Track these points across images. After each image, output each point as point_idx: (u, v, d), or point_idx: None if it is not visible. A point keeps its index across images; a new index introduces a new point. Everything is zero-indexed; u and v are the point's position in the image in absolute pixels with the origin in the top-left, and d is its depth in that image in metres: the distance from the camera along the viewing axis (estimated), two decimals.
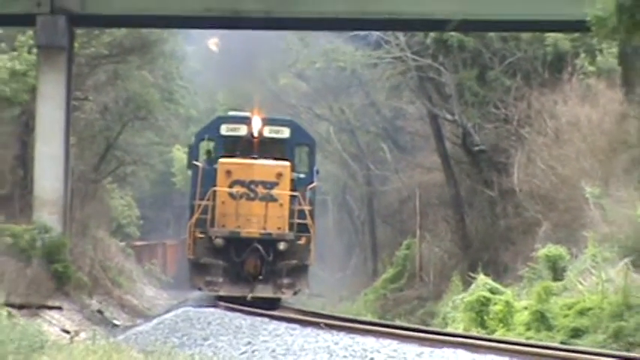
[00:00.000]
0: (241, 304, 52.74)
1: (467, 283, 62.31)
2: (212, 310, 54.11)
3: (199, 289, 63.64)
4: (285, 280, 59.86)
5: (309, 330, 44.36)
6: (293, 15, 67.24)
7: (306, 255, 61.80)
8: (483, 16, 69.70)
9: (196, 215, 61.49)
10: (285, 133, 62.51)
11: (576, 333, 48.10)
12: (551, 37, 71.98)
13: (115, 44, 79.13)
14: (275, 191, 58.65)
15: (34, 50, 65.05)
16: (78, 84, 69.57)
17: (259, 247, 57.29)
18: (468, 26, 72.69)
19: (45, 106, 64.42)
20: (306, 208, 60.43)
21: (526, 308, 52.10)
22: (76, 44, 67.58)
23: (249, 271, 57.89)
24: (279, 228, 57.97)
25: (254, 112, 61.96)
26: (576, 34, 65.13)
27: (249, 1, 68.17)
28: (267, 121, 61.32)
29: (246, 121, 61.85)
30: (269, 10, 67.32)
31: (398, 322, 56.00)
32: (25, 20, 63.21)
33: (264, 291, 57.46)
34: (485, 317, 53.91)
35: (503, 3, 68.07)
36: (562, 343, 44.91)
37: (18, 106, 66.33)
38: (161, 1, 70.33)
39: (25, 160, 66.16)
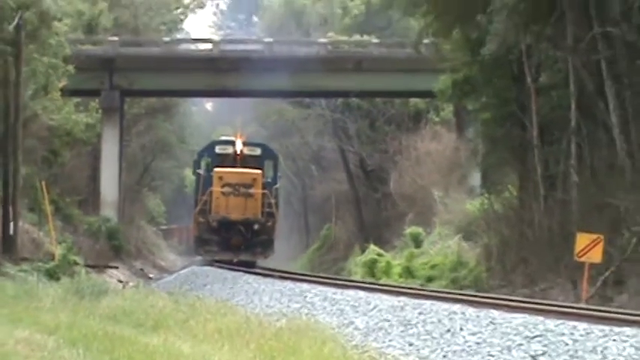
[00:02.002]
0: (229, 265, 57.77)
1: (363, 251, 68.53)
2: (209, 268, 60.05)
3: (201, 255, 68.66)
4: (259, 249, 63.67)
5: (268, 279, 47.69)
6: (257, 88, 76.12)
7: (272, 232, 65.26)
8: (371, 89, 78.31)
9: (199, 206, 65.22)
10: (257, 151, 66.06)
11: (429, 279, 54.36)
12: (412, 100, 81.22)
13: (149, 107, 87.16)
14: (251, 190, 62.29)
15: (99, 111, 72.14)
16: (126, 131, 77.88)
17: (241, 227, 61.81)
18: (362, 95, 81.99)
19: (106, 145, 72.70)
20: (273, 201, 64.59)
21: (399, 265, 59.42)
22: (125, 107, 76.31)
23: (234, 243, 61.88)
24: (254, 214, 62.08)
25: (237, 137, 65.93)
26: (428, 99, 72.28)
27: (230, 80, 76.20)
28: (246, 144, 65.47)
29: (232, 143, 65.47)
30: (242, 85, 76.97)
31: (322, 275, 62.58)
32: (94, 93, 70.76)
33: (244, 256, 61.46)
34: (375, 271, 61.46)
35: (382, 81, 74.93)
36: (420, 285, 49.94)
37: (90, 145, 71.74)
38: (177, 81, 76.76)
39: (94, 178, 73.94)
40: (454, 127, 64.65)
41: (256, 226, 61.51)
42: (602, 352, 21.07)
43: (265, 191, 62.64)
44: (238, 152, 63.53)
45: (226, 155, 64.48)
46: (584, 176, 42.53)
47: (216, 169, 61.74)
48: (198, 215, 65.20)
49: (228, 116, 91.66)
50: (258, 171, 62.31)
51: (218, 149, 65.49)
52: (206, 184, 63.79)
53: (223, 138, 68.72)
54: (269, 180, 64.20)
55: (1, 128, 46.34)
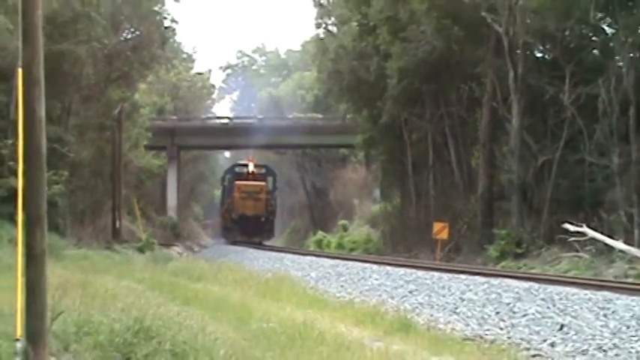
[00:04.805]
0: (243, 243, 58.78)
1: (315, 234, 69.70)
2: (229, 246, 60.93)
3: (226, 238, 70.39)
4: (264, 234, 65.22)
5: (262, 250, 49.10)
6: (253, 144, 74.68)
7: (273, 223, 67.22)
8: (318, 144, 78.00)
9: (225, 207, 67.69)
10: (263, 170, 68.50)
11: (352, 249, 53.85)
12: (342, 149, 79.94)
13: (193, 157, 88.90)
14: (259, 195, 63.34)
15: (166, 158, 72.30)
16: (181, 169, 79.45)
17: (253, 220, 62.54)
18: (313, 147, 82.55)
19: (170, 177, 73.57)
20: (273, 203, 66.21)
21: (335, 241, 60.05)
22: (180, 155, 76.50)
23: (249, 230, 62.66)
24: (261, 211, 63.31)
25: (250, 161, 67.51)
26: (350, 149, 71.92)
27: (239, 140, 73.94)
28: (255, 166, 67.22)
29: (246, 165, 67.33)
30: (245, 143, 74.35)
31: (292, 247, 64.19)
32: (162, 148, 71.77)
33: (256, 238, 62.54)
34: (321, 245, 62.02)
35: (324, 139, 73.01)
36: (347, 252, 49.70)
37: (160, 177, 73.79)
38: (209, 141, 76.80)
39: (163, 195, 75.98)
40: (365, 164, 67.19)
41: (262, 219, 64.00)
42: (448, 288, 20.94)
43: (268, 196, 65.41)
44: (250, 171, 66.73)
45: (242, 173, 66.74)
46: (437, 191, 47.34)
47: (237, 182, 65.03)
48: (225, 212, 68.47)
49: (238, 159, 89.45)
50: (264, 183, 66.25)
51: (237, 169, 68.90)
52: (229, 192, 67.17)
53: (240, 162, 71.88)
54: (270, 189, 67.73)
55: (110, 168, 49.48)
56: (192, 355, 9.12)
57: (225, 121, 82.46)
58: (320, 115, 77.96)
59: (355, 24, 49.10)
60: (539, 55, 38.77)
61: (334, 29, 57.54)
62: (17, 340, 7.86)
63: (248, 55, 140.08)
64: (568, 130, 33.73)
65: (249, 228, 62.14)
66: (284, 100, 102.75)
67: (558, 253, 30.39)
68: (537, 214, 34.72)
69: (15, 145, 9.10)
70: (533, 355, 13.18)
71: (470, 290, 20.30)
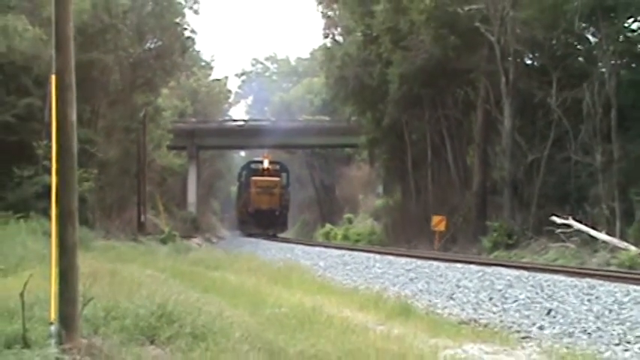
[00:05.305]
0: (258, 235, 57.82)
1: (323, 227, 69.62)
2: (245, 238, 59.79)
3: (242, 230, 68.91)
4: (278, 227, 64.04)
5: (274, 241, 49.26)
6: (266, 144, 70.39)
7: (286, 217, 66.01)
8: (326, 144, 75.52)
9: (242, 201, 66.45)
10: (277, 167, 66.99)
11: (356, 240, 53.55)
12: (347, 149, 78.09)
13: (210, 156, 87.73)
14: (274, 190, 62.13)
15: (187, 157, 72.26)
16: (200, 167, 78.04)
17: (268, 213, 61.47)
18: (321, 147, 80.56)
19: (190, 175, 72.83)
20: (287, 197, 64.98)
21: (341, 233, 59.95)
22: (200, 154, 75.86)
23: (264, 223, 61.54)
24: (275, 205, 62.13)
25: (265, 157, 66.56)
26: (355, 148, 68.60)
27: (253, 140, 71.95)
28: (270, 162, 66.19)
29: (261, 162, 66.45)
30: (258, 143, 71.28)
31: (302, 239, 62.69)
32: (183, 148, 71.11)
33: (270, 231, 61.47)
34: (329, 237, 61.96)
35: (332, 140, 71.03)
36: (352, 243, 49.58)
37: (181, 175, 72.53)
38: (226, 141, 76.01)
39: (184, 191, 74.71)
40: (368, 163, 63.74)
41: (277, 213, 62.94)
42: (445, 276, 20.90)
43: (282, 191, 64.23)
44: (265, 167, 65.65)
45: (258, 169, 65.74)
46: (435, 187, 47.25)
47: (252, 178, 64.08)
48: (241, 206, 67.00)
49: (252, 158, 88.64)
50: (278, 178, 64.86)
51: (253, 166, 67.95)
52: (246, 187, 65.72)
53: (256, 159, 71.82)
54: (284, 184, 66.28)
55: (135, 166, 49.43)
56: (211, 338, 9.16)
57: (241, 123, 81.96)
58: (327, 118, 77.42)
59: (359, 34, 49.08)
60: (528, 62, 38.77)
61: (340, 39, 57.57)
62: (51, 323, 8.00)
63: (261, 63, 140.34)
64: (555, 131, 33.77)
65: (264, 221, 60.98)
66: (294, 104, 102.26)
67: (546, 243, 30.30)
68: (527, 207, 34.51)
69: (49, 146, 9.01)
70: (523, 337, 13.10)
71: (465, 278, 20.16)
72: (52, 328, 7.92)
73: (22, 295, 8.06)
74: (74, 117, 8.04)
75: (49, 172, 8.47)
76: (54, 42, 7.97)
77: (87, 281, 10.27)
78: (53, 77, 7.88)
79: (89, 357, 7.75)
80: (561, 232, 29.28)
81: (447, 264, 23.94)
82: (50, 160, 8.30)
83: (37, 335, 8.17)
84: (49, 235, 8.40)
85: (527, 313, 15.16)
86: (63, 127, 7.95)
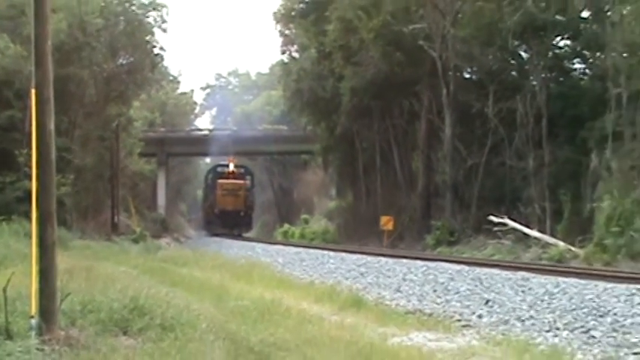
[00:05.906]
0: (223, 235, 56.12)
1: (282, 226, 68.87)
2: (211, 238, 57.44)
3: (208, 230, 66.76)
4: (243, 227, 63.16)
5: (237, 240, 48.03)
6: (228, 151, 65.17)
7: (251, 217, 65.41)
8: (283, 151, 72.68)
9: (208, 202, 64.78)
10: (242, 170, 66.16)
11: (312, 239, 52.54)
12: (303, 155, 73.70)
13: (179, 162, 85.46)
14: (239, 193, 61.23)
15: (157, 163, 69.40)
16: (169, 172, 75.19)
17: (233, 214, 60.11)
18: (279, 154, 76.21)
19: (160, 179, 70.30)
20: (251, 199, 64.45)
21: (298, 232, 59.94)
22: (169, 161, 73.64)
23: (229, 224, 60.18)
24: (240, 206, 61.02)
25: (230, 161, 64.50)
26: (310, 155, 66.22)
27: (216, 148, 67.67)
28: (235, 166, 64.78)
29: (227, 165, 64.80)
30: (221, 151, 66.58)
31: (262, 238, 59.97)
32: (153, 155, 67.76)
33: (235, 230, 60.14)
34: (287, 236, 61.14)
35: (289, 147, 69.55)
36: (308, 242, 48.81)
37: (151, 179, 69.49)
38: (192, 149, 73.93)
39: (154, 195, 71.56)
40: (323, 168, 63.58)
41: (242, 214, 61.75)
42: (393, 270, 20.72)
43: (247, 193, 63.35)
44: (231, 171, 64.02)
45: (224, 172, 64.09)
46: (383, 190, 46.85)
47: (219, 180, 62.79)
48: (208, 208, 65.89)
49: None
50: (243, 181, 63.78)
51: (219, 169, 66.53)
52: (212, 189, 64.47)
53: (222, 163, 68.91)
54: (249, 187, 65.43)
55: (109, 172, 48.40)
56: (179, 328, 9.09)
57: (206, 132, 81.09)
58: (285, 127, 75.46)
59: (314, 51, 48.98)
60: (467, 75, 38.77)
61: (296, 55, 57.22)
62: (32, 317, 7.95)
63: (224, 77, 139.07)
64: (492, 138, 33.83)
65: (229, 221, 60.03)
66: (255, 114, 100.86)
67: (484, 240, 30.37)
68: (467, 208, 34.56)
69: (29, 154, 8.93)
70: (464, 326, 13.12)
71: (411, 272, 20.06)
72: (33, 321, 7.87)
73: (4, 290, 8.02)
74: (52, 127, 7.88)
75: (30, 178, 8.42)
76: (33, 58, 7.87)
77: (65, 277, 10.16)
78: (33, 91, 7.81)
79: (67, 347, 7.70)
80: (498, 230, 29.34)
81: (394, 260, 23.74)
82: (30, 167, 8.25)
83: (18, 328, 8.07)
84: (30, 236, 8.35)
85: (467, 303, 15.14)
86: (42, 137, 7.82)
